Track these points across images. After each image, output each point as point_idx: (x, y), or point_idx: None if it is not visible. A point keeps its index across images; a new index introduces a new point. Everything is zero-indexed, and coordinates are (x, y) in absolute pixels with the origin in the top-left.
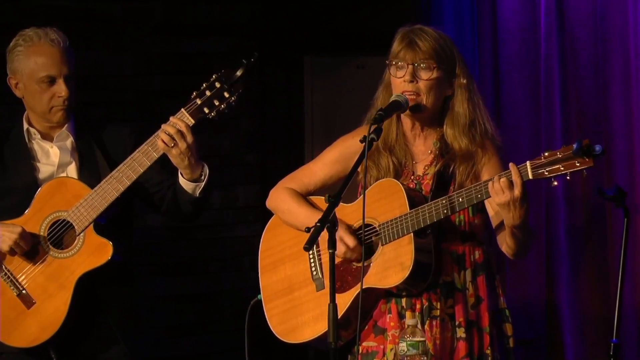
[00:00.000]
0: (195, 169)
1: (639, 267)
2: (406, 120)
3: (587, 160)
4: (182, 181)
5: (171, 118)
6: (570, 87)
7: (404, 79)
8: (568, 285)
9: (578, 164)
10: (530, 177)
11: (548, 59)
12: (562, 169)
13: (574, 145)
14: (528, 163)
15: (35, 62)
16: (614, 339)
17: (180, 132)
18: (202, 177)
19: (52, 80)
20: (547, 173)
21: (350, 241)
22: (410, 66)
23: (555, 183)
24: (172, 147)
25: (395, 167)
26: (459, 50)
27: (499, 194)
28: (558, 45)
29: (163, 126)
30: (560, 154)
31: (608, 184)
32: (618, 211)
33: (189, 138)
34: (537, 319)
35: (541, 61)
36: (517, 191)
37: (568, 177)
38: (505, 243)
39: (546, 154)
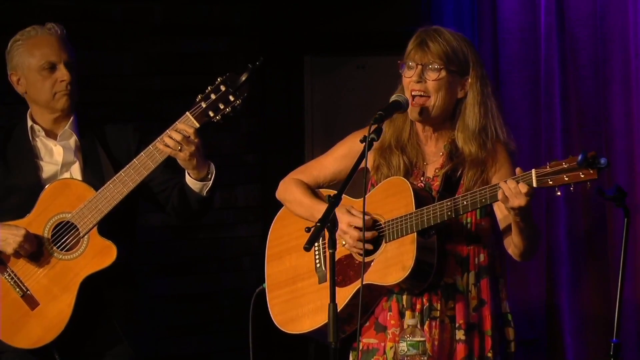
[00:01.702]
0: (202, 169)
1: (639, 267)
2: (418, 125)
3: (591, 172)
4: (190, 181)
5: (176, 123)
6: (570, 87)
7: (412, 78)
8: (568, 285)
9: (582, 176)
10: (535, 185)
11: (548, 59)
12: (567, 179)
13: (579, 157)
14: (533, 171)
15: (35, 52)
16: (614, 339)
17: (187, 137)
18: (209, 176)
19: (52, 67)
20: (551, 182)
21: (360, 222)
22: (419, 66)
23: (559, 193)
24: (180, 150)
25: (406, 166)
26: (477, 53)
27: (518, 197)
28: (558, 45)
29: (168, 131)
30: (565, 164)
31: (608, 184)
32: (618, 211)
33: (197, 141)
34: (538, 319)
35: (541, 61)
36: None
37: (572, 188)
38: (513, 245)
39: (551, 163)
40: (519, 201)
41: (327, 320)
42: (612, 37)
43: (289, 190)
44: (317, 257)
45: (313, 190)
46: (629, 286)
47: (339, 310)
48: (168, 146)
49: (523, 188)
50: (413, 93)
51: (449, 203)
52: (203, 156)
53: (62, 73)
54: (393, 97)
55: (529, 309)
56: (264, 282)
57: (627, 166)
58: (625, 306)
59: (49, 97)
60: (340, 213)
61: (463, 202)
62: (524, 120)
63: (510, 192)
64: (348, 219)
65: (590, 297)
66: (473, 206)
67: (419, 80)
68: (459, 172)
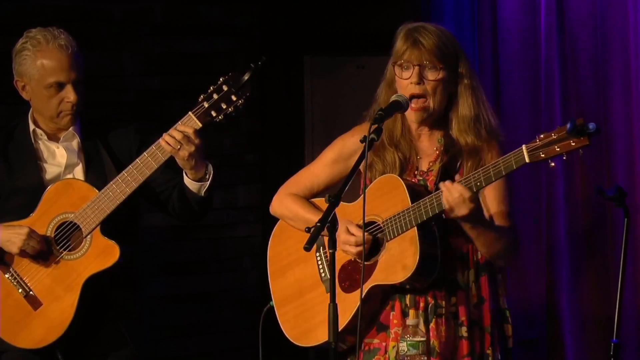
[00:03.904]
0: (200, 169)
1: (639, 267)
2: (413, 122)
3: (582, 139)
4: (187, 181)
5: (179, 122)
6: (570, 87)
7: (411, 80)
8: (568, 285)
9: (574, 144)
10: (527, 160)
11: (548, 59)
12: (558, 149)
13: (568, 125)
14: (524, 147)
15: (43, 66)
16: (614, 339)
17: (187, 137)
18: (207, 177)
19: (60, 86)
20: (543, 155)
21: (358, 231)
22: (416, 67)
23: (553, 164)
24: (179, 150)
25: (401, 162)
26: (460, 44)
27: (461, 206)
28: (558, 45)
29: (170, 131)
30: (555, 135)
31: (608, 184)
32: (618, 211)
33: (197, 141)
34: (538, 319)
35: (541, 61)
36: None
37: (565, 158)
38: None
39: (541, 136)
40: (462, 210)
41: (340, 329)
42: (612, 37)
43: (284, 205)
44: (320, 267)
45: (309, 202)
46: (629, 286)
47: (349, 317)
48: (169, 144)
49: (465, 193)
50: (414, 95)
51: None
52: (202, 157)
53: (69, 94)
54: (393, 97)
55: (529, 309)
56: (271, 300)
57: (627, 166)
58: (626, 306)
59: (54, 114)
60: (339, 230)
61: None
62: (524, 120)
63: (456, 201)
64: (344, 238)
65: (590, 297)
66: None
67: (419, 81)
68: (458, 164)
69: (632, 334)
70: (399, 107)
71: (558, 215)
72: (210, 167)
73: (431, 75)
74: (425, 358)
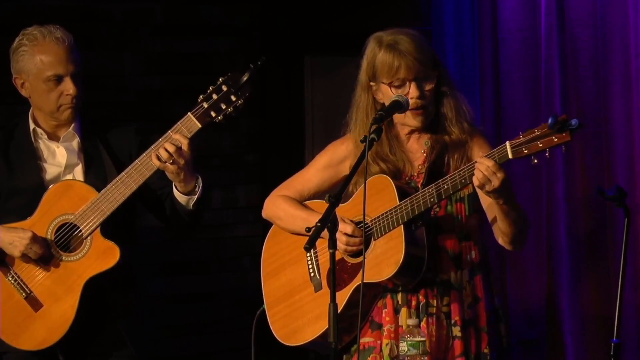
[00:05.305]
0: (189, 182)
1: (639, 267)
2: (404, 128)
3: (564, 135)
4: (176, 193)
5: (178, 123)
6: (571, 87)
7: (412, 95)
8: (569, 285)
9: (556, 140)
10: (510, 156)
11: (548, 59)
12: (541, 145)
13: (549, 120)
14: (507, 143)
15: (41, 61)
16: (614, 339)
17: (178, 150)
18: (196, 189)
19: (59, 79)
20: (526, 151)
21: (348, 228)
22: (412, 82)
23: (535, 161)
24: (170, 163)
25: (392, 171)
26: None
27: (493, 180)
28: (558, 45)
29: (162, 143)
30: (538, 131)
31: (608, 184)
32: (618, 211)
33: (187, 155)
34: (538, 319)
35: (541, 61)
36: (500, 174)
37: (547, 154)
38: (501, 233)
39: (524, 132)
40: (494, 183)
41: (327, 327)
42: (612, 37)
43: (277, 206)
44: (310, 266)
45: (302, 203)
46: (629, 286)
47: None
48: (159, 159)
49: (492, 164)
50: (418, 108)
51: (430, 190)
52: (192, 170)
53: (69, 87)
54: (393, 97)
55: (529, 308)
56: (263, 303)
57: (627, 166)
58: (626, 306)
59: (54, 109)
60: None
61: (444, 186)
62: (524, 120)
63: (489, 171)
64: (339, 227)
65: (590, 297)
66: (454, 188)
67: (421, 96)
68: (446, 159)
69: (632, 334)
70: (399, 107)
71: (558, 215)
72: (200, 181)
73: (428, 86)
74: (426, 358)
